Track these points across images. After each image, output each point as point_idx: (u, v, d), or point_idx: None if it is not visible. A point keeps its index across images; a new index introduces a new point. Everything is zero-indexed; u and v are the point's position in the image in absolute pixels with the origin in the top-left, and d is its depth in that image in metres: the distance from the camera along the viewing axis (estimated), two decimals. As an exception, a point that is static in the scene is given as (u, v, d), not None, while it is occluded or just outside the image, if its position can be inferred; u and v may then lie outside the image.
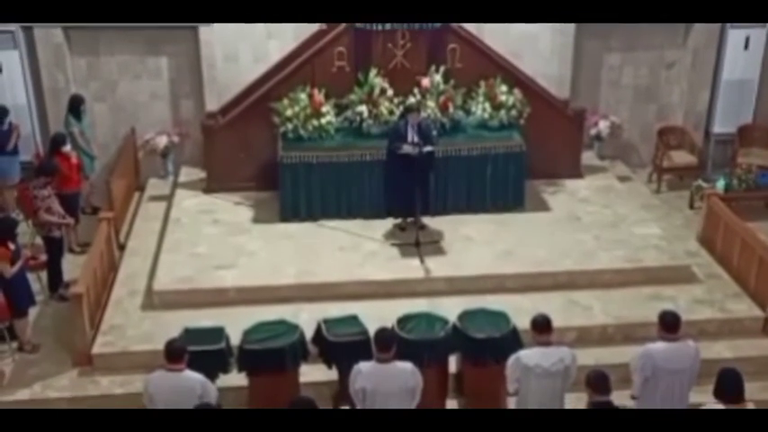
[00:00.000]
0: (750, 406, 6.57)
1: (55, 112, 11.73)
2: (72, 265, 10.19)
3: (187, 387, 6.74)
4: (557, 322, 7.31)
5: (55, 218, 9.72)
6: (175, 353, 6.84)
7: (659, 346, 7.10)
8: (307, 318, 8.46)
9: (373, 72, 10.78)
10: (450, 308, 8.48)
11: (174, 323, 8.43)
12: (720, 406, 6.49)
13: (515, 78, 11.27)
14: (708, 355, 8.12)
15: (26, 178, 10.74)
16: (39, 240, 10.08)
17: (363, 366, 6.95)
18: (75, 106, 11.26)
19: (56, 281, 9.86)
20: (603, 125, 12.41)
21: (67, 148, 10.66)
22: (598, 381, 6.46)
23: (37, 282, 9.74)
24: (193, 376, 6.85)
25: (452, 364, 8.24)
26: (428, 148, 9.81)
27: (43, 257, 9.90)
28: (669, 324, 7.11)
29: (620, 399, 6.78)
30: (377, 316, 8.04)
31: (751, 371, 7.97)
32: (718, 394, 6.56)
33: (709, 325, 9.04)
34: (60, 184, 10.23)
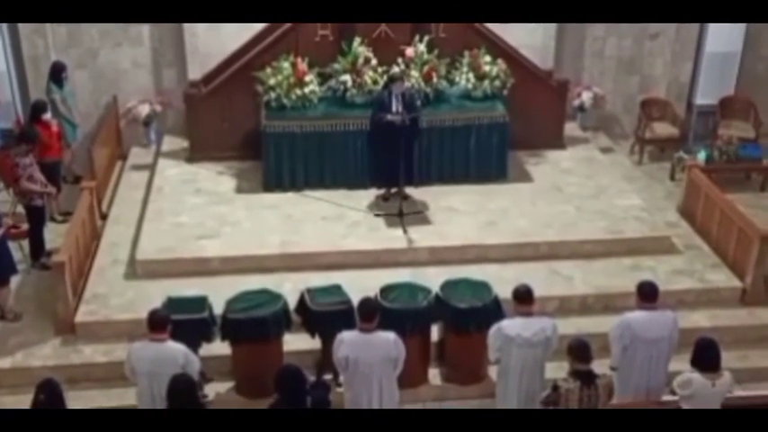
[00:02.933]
0: (726, 375, 6.70)
1: (35, 79, 11.61)
2: (54, 234, 10.14)
3: (169, 357, 6.74)
4: (538, 292, 7.38)
5: (36, 186, 9.65)
6: (158, 323, 6.84)
7: (637, 315, 7.19)
8: (290, 287, 8.49)
9: (357, 41, 10.73)
10: (433, 278, 8.55)
11: (156, 292, 8.44)
12: (697, 374, 6.61)
13: (499, 49, 11.26)
14: (686, 325, 8.23)
15: (6, 146, 10.64)
16: (20, 209, 10.02)
17: (346, 335, 7.00)
18: (57, 73, 11.14)
19: (38, 249, 9.81)
20: (586, 96, 12.43)
21: (48, 115, 10.57)
22: (579, 349, 6.55)
23: (19, 250, 9.70)
24: (176, 347, 6.84)
25: (435, 333, 8.31)
26: (413, 115, 9.81)
27: (25, 226, 9.83)
28: (647, 293, 7.20)
29: (601, 368, 6.87)
30: (360, 286, 8.10)
31: (728, 340, 8.13)
32: (696, 363, 6.69)
33: (688, 295, 9.15)
34: (41, 153, 10.14)
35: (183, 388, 6.21)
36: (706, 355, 6.66)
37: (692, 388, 6.61)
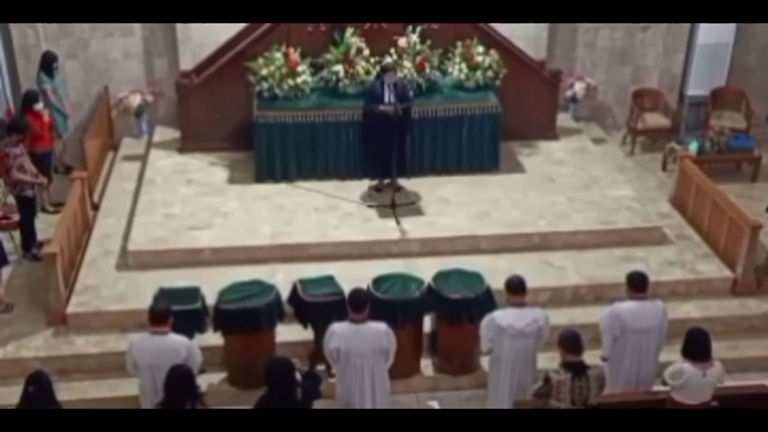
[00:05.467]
0: (717, 365, 6.72)
1: (26, 69, 11.54)
2: (45, 225, 10.11)
3: (172, 350, 6.71)
4: (530, 283, 7.40)
5: (27, 177, 9.62)
6: (160, 316, 6.82)
7: (627, 305, 7.22)
8: (282, 278, 8.49)
9: (349, 31, 10.69)
10: (426, 268, 8.57)
11: (148, 283, 8.44)
12: (688, 364, 6.64)
13: (492, 39, 11.24)
14: (677, 316, 8.29)
15: (-3, 136, 10.61)
16: (11, 200, 9.99)
17: (338, 327, 7.01)
18: (48, 63, 11.09)
19: (29, 240, 9.78)
20: (579, 87, 12.43)
21: (39, 105, 10.54)
22: (570, 341, 6.56)
23: (10, 241, 9.67)
24: (178, 339, 6.84)
25: (427, 323, 8.32)
26: (405, 105, 9.80)
27: (16, 217, 9.80)
28: (636, 283, 7.23)
29: (592, 358, 6.89)
30: (352, 277, 8.11)
31: (719, 330, 8.17)
32: (686, 353, 6.71)
33: (680, 286, 9.18)
34: (32, 143, 10.12)
35: (181, 378, 6.20)
36: (697, 346, 6.68)
37: (683, 378, 6.63)
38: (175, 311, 7.33)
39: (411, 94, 10.31)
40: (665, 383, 6.83)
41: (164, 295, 7.68)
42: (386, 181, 10.34)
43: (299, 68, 10.56)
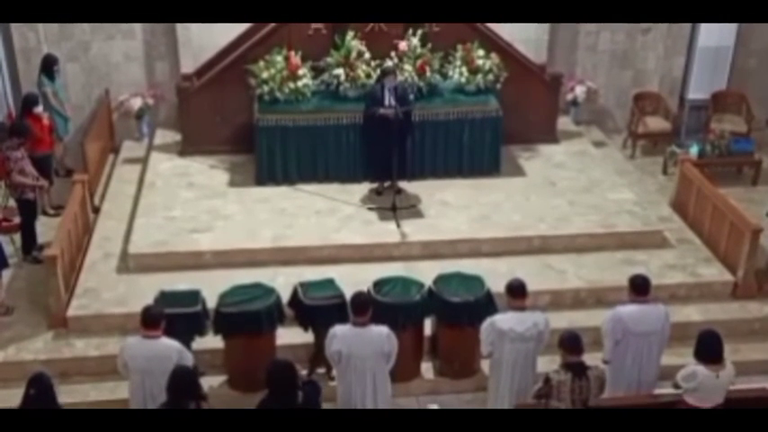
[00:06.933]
0: (729, 366, 6.70)
1: (26, 72, 11.53)
2: (46, 228, 10.11)
3: (163, 354, 6.70)
4: (531, 286, 7.40)
5: (28, 180, 9.62)
6: (152, 319, 6.80)
7: (629, 308, 7.21)
8: (283, 281, 8.49)
9: (350, 35, 10.70)
10: (426, 272, 8.57)
11: (149, 286, 8.42)
12: (701, 366, 6.61)
13: (492, 43, 11.24)
14: (678, 319, 8.28)
15: (-2, 139, 10.61)
16: (12, 202, 9.99)
17: (339, 330, 7.01)
18: (49, 66, 11.10)
19: (29, 243, 9.78)
20: (580, 90, 12.43)
21: (39, 109, 10.55)
22: (571, 342, 6.58)
23: (10, 244, 9.67)
24: (169, 344, 6.82)
25: (427, 327, 8.31)
26: (406, 108, 9.80)
27: (17, 220, 9.81)
28: (639, 287, 7.22)
29: (592, 360, 6.88)
30: (353, 280, 8.11)
31: (720, 334, 8.13)
32: (699, 356, 6.68)
33: (680, 289, 9.18)
34: (32, 146, 10.12)
35: (184, 378, 6.18)
36: (709, 347, 6.66)
37: (696, 381, 6.61)
38: (176, 314, 7.36)
39: (411, 97, 10.32)
40: (676, 387, 6.78)
41: (164, 298, 7.69)
42: (386, 184, 10.34)
43: (300, 72, 10.58)
